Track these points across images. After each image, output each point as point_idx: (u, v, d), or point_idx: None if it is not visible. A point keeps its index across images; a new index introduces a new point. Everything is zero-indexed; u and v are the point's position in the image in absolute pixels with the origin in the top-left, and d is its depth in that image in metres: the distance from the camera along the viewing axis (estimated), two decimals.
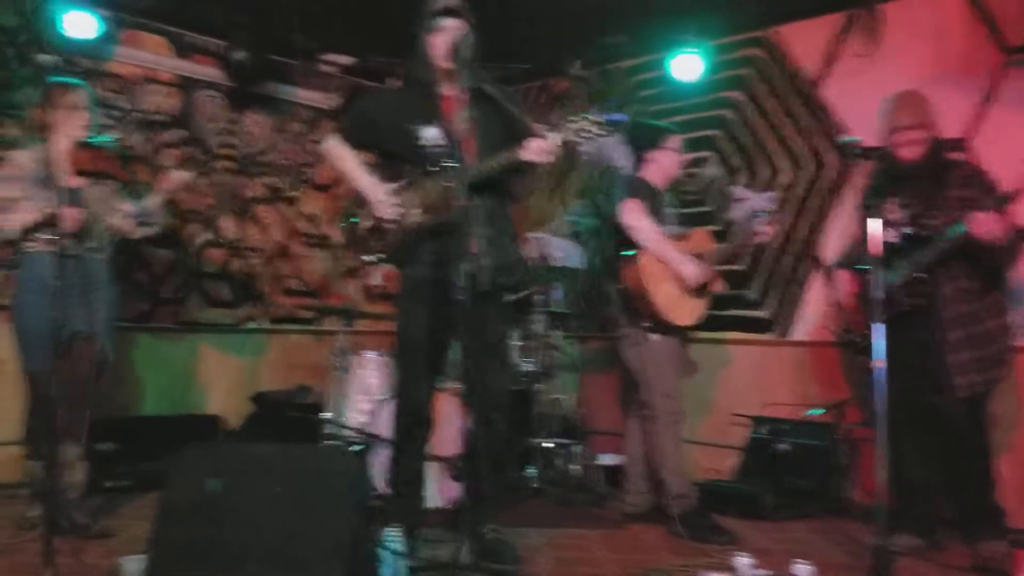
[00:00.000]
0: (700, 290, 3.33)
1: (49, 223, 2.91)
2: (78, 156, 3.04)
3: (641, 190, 3.36)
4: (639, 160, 3.53)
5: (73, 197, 2.99)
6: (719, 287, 3.47)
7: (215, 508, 2.15)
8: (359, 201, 2.86)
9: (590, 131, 2.50)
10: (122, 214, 3.18)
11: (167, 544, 2.13)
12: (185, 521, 2.15)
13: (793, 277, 4.20)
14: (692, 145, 4.23)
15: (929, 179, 2.95)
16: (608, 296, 3.43)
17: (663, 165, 3.44)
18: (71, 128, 3.05)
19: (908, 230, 2.96)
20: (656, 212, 3.33)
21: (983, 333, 2.89)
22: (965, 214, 2.80)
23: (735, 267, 4.28)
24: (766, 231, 3.39)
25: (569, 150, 2.65)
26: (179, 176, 3.31)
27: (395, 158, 2.82)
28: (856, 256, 3.12)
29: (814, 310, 4.10)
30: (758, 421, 4.07)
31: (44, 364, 2.83)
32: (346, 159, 2.88)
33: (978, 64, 3.61)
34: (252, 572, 2.06)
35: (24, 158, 3.03)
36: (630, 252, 3.27)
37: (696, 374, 4.36)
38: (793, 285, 4.20)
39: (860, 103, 3.79)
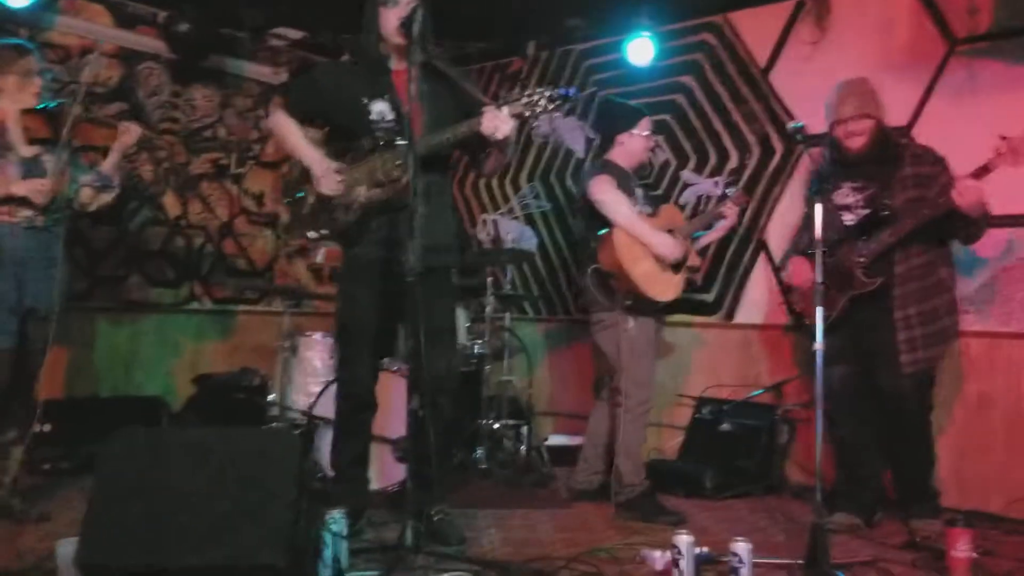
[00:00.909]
0: (678, 265, 3.31)
1: (8, 195, 2.78)
2: (29, 122, 2.90)
3: (611, 170, 3.32)
4: (607, 142, 3.45)
5: (30, 166, 2.87)
6: (697, 261, 3.48)
7: (152, 491, 2.10)
8: (304, 176, 2.80)
9: (542, 104, 2.49)
10: (79, 184, 3.03)
11: (100, 528, 2.07)
12: (120, 504, 2.09)
13: (738, 261, 4.26)
14: None
15: (880, 161, 3.01)
16: (581, 280, 3.39)
17: (632, 148, 3.38)
18: (22, 95, 2.91)
19: (865, 211, 3.02)
20: (626, 193, 3.28)
21: (931, 310, 2.95)
22: (921, 191, 2.87)
23: None
24: (731, 215, 3.41)
25: (522, 125, 2.63)
26: (135, 130, 3.11)
27: (343, 133, 2.77)
28: (809, 242, 3.16)
29: (758, 293, 4.18)
30: (702, 402, 4.14)
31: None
32: (291, 132, 2.82)
33: (923, 54, 3.68)
34: (190, 556, 2.03)
35: None
36: (603, 231, 3.22)
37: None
38: (738, 269, 4.26)
39: (808, 90, 3.85)
